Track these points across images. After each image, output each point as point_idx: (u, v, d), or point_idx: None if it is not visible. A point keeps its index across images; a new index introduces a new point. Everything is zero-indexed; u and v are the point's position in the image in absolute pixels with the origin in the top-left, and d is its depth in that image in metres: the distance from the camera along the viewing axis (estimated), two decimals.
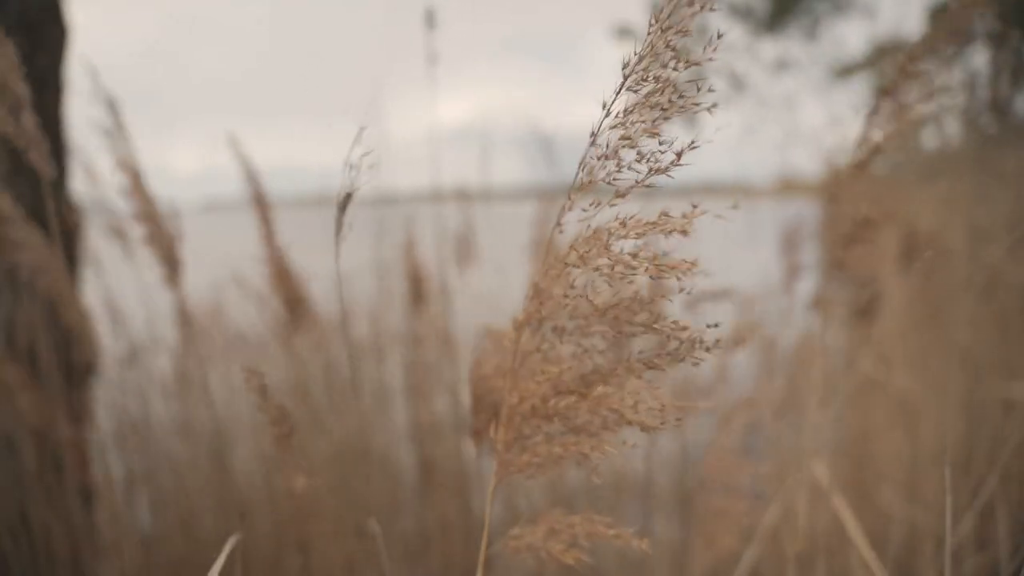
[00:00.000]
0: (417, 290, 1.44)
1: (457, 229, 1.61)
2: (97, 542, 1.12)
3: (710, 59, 0.38)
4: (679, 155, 0.39)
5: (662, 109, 0.39)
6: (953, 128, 2.13)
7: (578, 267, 0.41)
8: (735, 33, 4.52)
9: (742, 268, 1.56)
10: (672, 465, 1.47)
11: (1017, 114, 2.74)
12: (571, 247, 0.41)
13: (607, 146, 0.40)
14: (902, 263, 1.27)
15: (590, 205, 0.41)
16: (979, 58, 2.63)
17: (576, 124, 0.41)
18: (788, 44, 4.77)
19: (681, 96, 0.39)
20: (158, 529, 1.30)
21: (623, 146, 0.40)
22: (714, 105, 0.39)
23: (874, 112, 0.72)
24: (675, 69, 0.39)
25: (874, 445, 1.32)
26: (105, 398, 1.29)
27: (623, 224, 0.40)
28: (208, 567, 0.50)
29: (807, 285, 1.47)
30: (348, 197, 0.47)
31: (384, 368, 1.58)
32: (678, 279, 0.39)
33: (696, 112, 0.39)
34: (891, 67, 0.71)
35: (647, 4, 4.76)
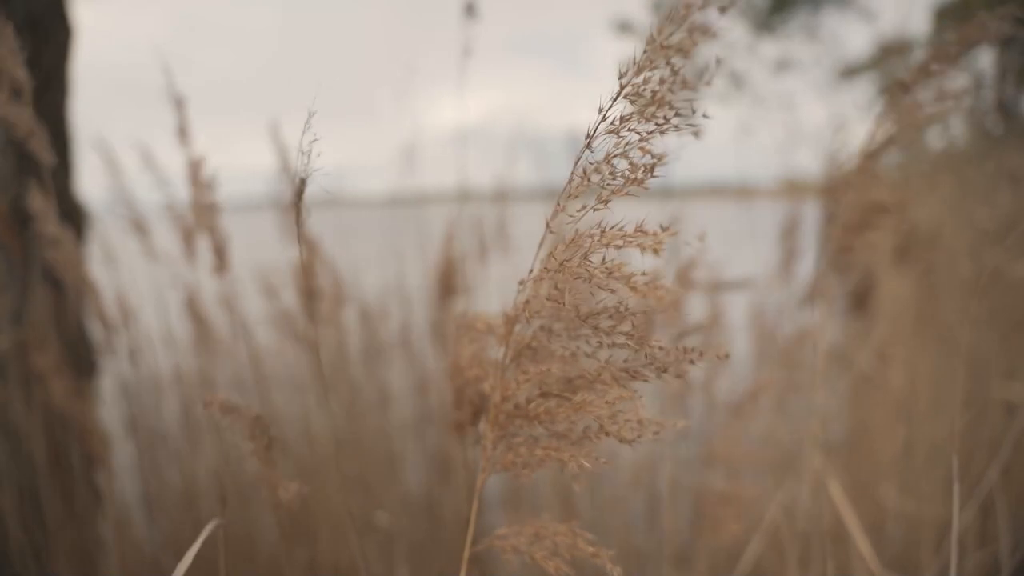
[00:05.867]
0: (446, 286, 1.43)
1: (477, 228, 1.62)
2: (104, 536, 1.13)
3: (707, 84, 0.37)
4: (656, 163, 0.39)
5: (657, 123, 0.39)
6: (958, 127, 2.13)
7: (559, 272, 0.41)
8: (736, 32, 4.51)
9: (743, 265, 1.57)
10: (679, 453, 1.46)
11: (1022, 114, 2.73)
12: (550, 253, 0.41)
13: (602, 152, 0.40)
14: (899, 258, 1.28)
15: (579, 210, 0.40)
16: (985, 59, 2.62)
17: (581, 124, 0.40)
18: (789, 44, 4.76)
19: (677, 115, 0.39)
20: (162, 521, 1.31)
21: (616, 154, 0.40)
22: (702, 126, 0.38)
23: (888, 106, 0.71)
24: (671, 90, 0.38)
25: (872, 440, 1.33)
26: (112, 391, 1.30)
27: (603, 233, 0.40)
28: (211, 562, 0.50)
29: (803, 277, 1.47)
30: (302, 185, 0.44)
31: (392, 364, 1.59)
32: (653, 297, 0.39)
33: (692, 133, 0.39)
34: (907, 65, 0.70)
35: (648, 2, 4.75)
